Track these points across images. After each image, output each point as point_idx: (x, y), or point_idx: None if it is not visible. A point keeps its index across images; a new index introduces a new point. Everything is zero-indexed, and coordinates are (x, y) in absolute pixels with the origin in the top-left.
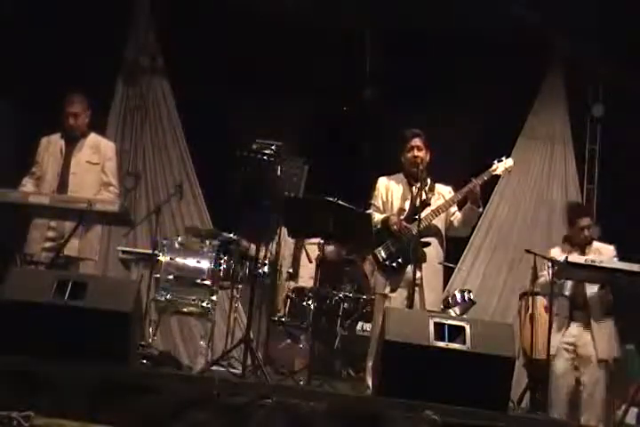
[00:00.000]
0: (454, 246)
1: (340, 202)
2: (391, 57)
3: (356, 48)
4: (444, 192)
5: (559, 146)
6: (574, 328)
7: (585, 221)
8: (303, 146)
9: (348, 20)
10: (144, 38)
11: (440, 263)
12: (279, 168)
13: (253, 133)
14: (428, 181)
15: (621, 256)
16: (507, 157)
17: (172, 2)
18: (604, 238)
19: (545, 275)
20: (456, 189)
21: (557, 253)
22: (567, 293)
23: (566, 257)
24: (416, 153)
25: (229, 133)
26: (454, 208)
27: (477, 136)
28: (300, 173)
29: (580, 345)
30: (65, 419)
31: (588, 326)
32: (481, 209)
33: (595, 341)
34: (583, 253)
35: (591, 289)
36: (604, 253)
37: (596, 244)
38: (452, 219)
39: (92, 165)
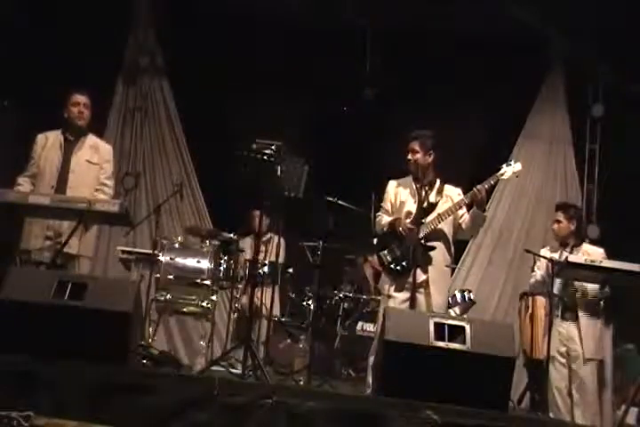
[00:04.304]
0: (454, 246)
1: (340, 202)
2: (391, 57)
3: (356, 48)
4: (452, 194)
5: (559, 146)
6: (563, 327)
7: (556, 215)
8: (303, 146)
9: (348, 20)
10: (144, 38)
11: (447, 266)
12: (279, 168)
13: (253, 133)
14: (437, 182)
15: (622, 256)
16: (515, 162)
17: (172, 2)
18: (604, 238)
19: (536, 275)
20: (465, 191)
21: (546, 253)
22: (556, 291)
23: (567, 257)
24: (409, 156)
25: (229, 133)
26: (462, 211)
27: (478, 136)
28: (299, 173)
29: (569, 344)
30: (65, 419)
31: (576, 324)
32: (485, 213)
33: (582, 340)
34: (571, 253)
35: (580, 288)
36: (592, 255)
37: (585, 246)
38: (460, 222)
39: (91, 165)
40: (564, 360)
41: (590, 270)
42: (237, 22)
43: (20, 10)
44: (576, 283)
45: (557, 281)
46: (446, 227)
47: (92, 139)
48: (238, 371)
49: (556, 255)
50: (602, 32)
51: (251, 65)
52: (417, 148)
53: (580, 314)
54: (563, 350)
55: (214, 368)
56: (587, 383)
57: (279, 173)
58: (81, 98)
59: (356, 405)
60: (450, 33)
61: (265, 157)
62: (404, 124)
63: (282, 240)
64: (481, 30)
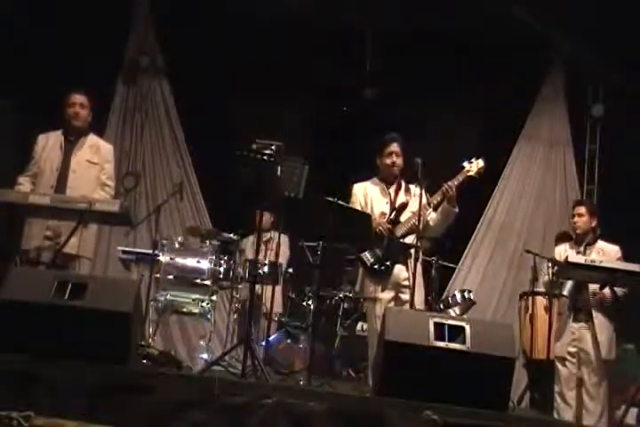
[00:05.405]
0: (454, 246)
1: (340, 202)
2: (391, 57)
3: (356, 48)
4: (418, 193)
5: (559, 146)
6: (576, 328)
7: (576, 209)
8: (303, 146)
9: (348, 20)
10: (144, 38)
11: (436, 262)
12: (279, 168)
13: (253, 133)
14: (402, 183)
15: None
16: (477, 158)
17: (172, 2)
18: (604, 239)
19: (547, 274)
20: (431, 190)
21: (562, 250)
22: (566, 292)
23: (567, 257)
24: (394, 159)
25: (229, 133)
26: (429, 209)
27: (478, 137)
28: (299, 173)
29: (581, 346)
30: (65, 419)
31: (589, 326)
32: (457, 209)
33: (595, 341)
34: (585, 251)
35: (593, 289)
36: (607, 253)
37: (600, 243)
38: (428, 219)
39: (91, 165)
40: (574, 360)
41: (590, 270)
42: (237, 22)
43: (20, 10)
44: (590, 284)
45: (569, 282)
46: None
47: (92, 139)
48: (238, 371)
49: (572, 252)
50: (602, 32)
51: (251, 65)
52: (399, 150)
53: (595, 315)
54: (573, 350)
55: (214, 368)
56: (599, 386)
57: (279, 173)
58: (77, 98)
59: (356, 405)
60: (450, 33)
61: (265, 158)
62: (404, 124)
63: (286, 238)
64: (481, 30)
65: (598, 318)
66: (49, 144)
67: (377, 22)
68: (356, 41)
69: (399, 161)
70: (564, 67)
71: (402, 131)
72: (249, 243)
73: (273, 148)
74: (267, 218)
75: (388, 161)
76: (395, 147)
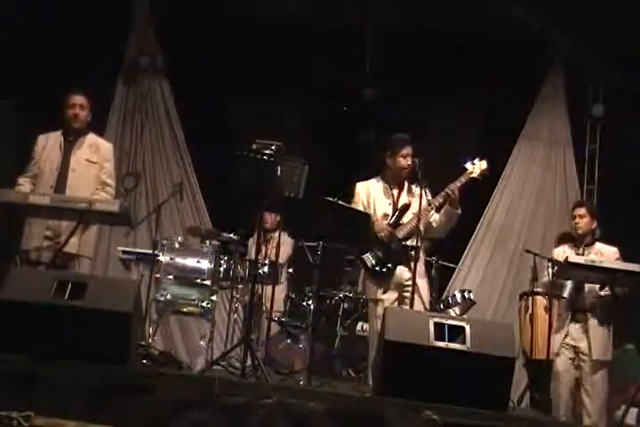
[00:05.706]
0: (454, 246)
1: (340, 202)
2: (391, 57)
3: (356, 48)
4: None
5: (559, 146)
6: (574, 329)
7: (576, 211)
8: (303, 146)
9: (348, 20)
10: (144, 38)
11: (436, 262)
12: (279, 168)
13: (253, 133)
14: (406, 184)
15: (622, 257)
16: (480, 159)
17: (172, 2)
18: (604, 239)
19: (547, 274)
20: (433, 191)
21: (561, 251)
22: (566, 294)
23: (567, 257)
24: (409, 161)
25: (229, 133)
26: (432, 210)
27: (478, 137)
28: (299, 173)
29: (579, 346)
30: (65, 419)
31: (587, 326)
32: (459, 211)
33: (591, 342)
34: (584, 253)
35: (591, 290)
36: (605, 255)
37: (598, 245)
38: (430, 221)
39: (91, 164)
40: (572, 360)
41: (590, 271)
42: (237, 22)
43: (20, 10)
44: (587, 285)
45: (569, 283)
46: (420, 226)
47: (92, 138)
48: (238, 371)
49: (572, 252)
50: (602, 32)
51: (251, 65)
52: (411, 152)
53: (590, 316)
54: (571, 351)
55: (214, 368)
56: (597, 386)
57: (279, 173)
58: (77, 99)
59: (356, 405)
60: (450, 33)
61: (265, 158)
62: (404, 124)
63: (289, 238)
64: (481, 30)
65: (596, 318)
66: (49, 144)
67: (377, 22)
68: (356, 41)
69: (411, 162)
70: (564, 67)
71: (402, 131)
72: (254, 245)
73: (273, 148)
74: (272, 218)
75: (404, 163)
76: (409, 149)
